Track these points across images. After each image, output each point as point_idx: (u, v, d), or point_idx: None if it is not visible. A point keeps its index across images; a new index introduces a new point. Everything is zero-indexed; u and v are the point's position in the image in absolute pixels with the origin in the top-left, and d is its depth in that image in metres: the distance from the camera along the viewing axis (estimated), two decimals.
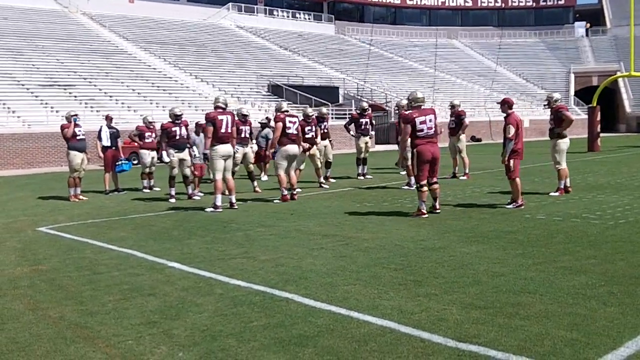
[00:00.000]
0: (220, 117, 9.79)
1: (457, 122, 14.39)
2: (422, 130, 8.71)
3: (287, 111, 10.94)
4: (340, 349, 3.72)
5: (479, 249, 6.42)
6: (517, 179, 9.28)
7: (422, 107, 8.95)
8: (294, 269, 5.74)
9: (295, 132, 10.76)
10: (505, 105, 9.46)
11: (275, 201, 10.72)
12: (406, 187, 12.30)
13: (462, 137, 14.40)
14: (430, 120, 8.77)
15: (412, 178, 12.21)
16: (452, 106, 14.86)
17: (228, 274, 5.61)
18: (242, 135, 11.83)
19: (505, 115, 9.41)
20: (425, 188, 8.81)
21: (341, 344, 3.80)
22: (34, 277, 5.78)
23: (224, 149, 9.87)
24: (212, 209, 9.73)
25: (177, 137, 11.70)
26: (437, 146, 8.90)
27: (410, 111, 8.86)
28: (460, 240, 6.92)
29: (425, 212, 8.78)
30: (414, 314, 4.32)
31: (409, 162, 12.11)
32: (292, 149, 10.74)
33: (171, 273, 5.78)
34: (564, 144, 10.68)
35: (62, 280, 5.62)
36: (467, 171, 14.20)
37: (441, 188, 12.21)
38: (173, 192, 11.54)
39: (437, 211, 8.96)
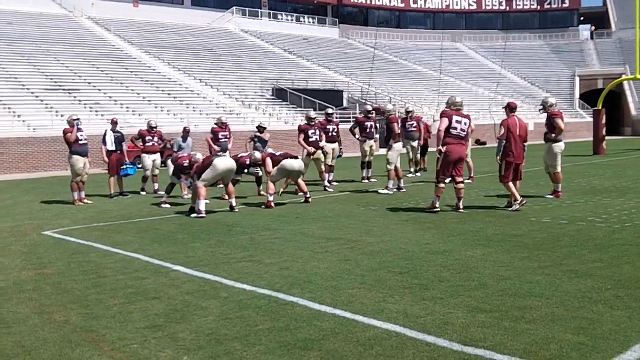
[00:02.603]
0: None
1: None
2: (455, 128, 9.20)
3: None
4: (345, 353, 3.71)
5: (484, 252, 6.41)
6: (509, 183, 9.49)
7: (461, 110, 9.46)
8: (299, 273, 5.73)
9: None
10: (507, 108, 9.91)
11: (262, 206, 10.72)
12: (384, 191, 12.12)
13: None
14: (465, 124, 9.32)
15: (391, 182, 12.31)
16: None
17: (233, 278, 5.61)
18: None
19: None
20: (443, 185, 9.25)
21: (346, 348, 3.79)
22: (39, 280, 5.79)
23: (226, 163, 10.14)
24: (195, 215, 9.67)
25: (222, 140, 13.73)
26: (465, 148, 9.47)
27: (447, 109, 9.37)
28: (465, 243, 6.90)
29: (438, 207, 9.23)
30: (419, 318, 4.31)
31: (393, 166, 12.08)
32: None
33: (176, 276, 5.78)
34: (557, 147, 10.81)
35: (67, 283, 5.63)
36: (472, 174, 14.19)
37: (447, 191, 12.24)
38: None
39: (461, 211, 9.24)
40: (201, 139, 21.09)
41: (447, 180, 9.48)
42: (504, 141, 9.48)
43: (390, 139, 12.29)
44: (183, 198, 12.06)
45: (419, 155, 16.73)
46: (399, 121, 12.51)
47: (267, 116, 31.50)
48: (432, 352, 3.68)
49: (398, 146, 12.30)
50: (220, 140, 14.15)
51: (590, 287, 4.96)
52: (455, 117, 9.19)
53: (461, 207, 9.37)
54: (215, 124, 14.54)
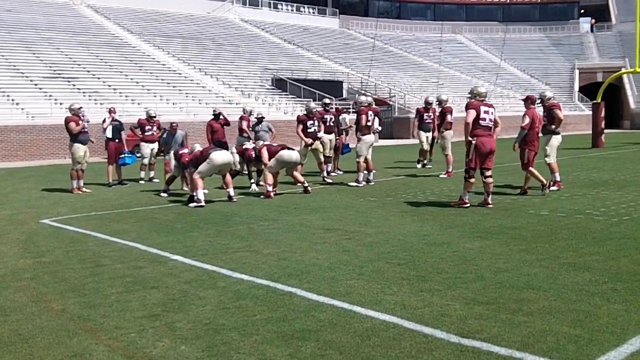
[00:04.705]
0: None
1: (442, 118, 14.29)
2: (484, 119, 8.91)
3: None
4: (343, 344, 3.72)
5: (482, 244, 6.41)
6: (532, 168, 10.07)
7: (485, 100, 9.18)
8: (297, 263, 5.74)
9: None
10: (528, 101, 10.29)
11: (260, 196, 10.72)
12: (353, 184, 12.02)
13: (446, 133, 14.17)
14: (491, 113, 9.04)
15: (361, 174, 12.13)
16: (439, 102, 14.69)
17: (231, 267, 5.61)
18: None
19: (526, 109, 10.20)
20: (474, 179, 8.94)
21: (344, 339, 3.80)
22: (37, 269, 5.79)
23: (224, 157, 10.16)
24: (194, 204, 9.67)
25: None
26: (494, 139, 9.08)
27: (473, 100, 9.04)
28: (464, 235, 6.91)
29: (468, 202, 8.94)
30: (417, 309, 4.31)
31: (362, 159, 11.96)
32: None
33: (174, 266, 5.78)
34: (555, 140, 10.97)
35: (65, 272, 5.63)
36: (449, 169, 13.71)
37: (444, 183, 12.24)
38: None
39: (490, 206, 8.91)
40: (200, 128, 21.06)
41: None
42: (526, 130, 9.93)
43: (357, 131, 12.15)
44: (182, 190, 12.05)
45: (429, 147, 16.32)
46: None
47: (267, 106, 31.44)
48: (429, 343, 3.69)
49: (367, 138, 12.01)
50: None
51: (588, 280, 4.97)
52: (483, 108, 8.90)
53: (490, 201, 8.98)
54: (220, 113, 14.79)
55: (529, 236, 6.78)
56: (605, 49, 62.24)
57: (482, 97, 9.10)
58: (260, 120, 14.18)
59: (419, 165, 15.94)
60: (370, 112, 12.14)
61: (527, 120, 9.94)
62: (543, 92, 11.29)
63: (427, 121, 15.72)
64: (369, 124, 12.06)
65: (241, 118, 14.98)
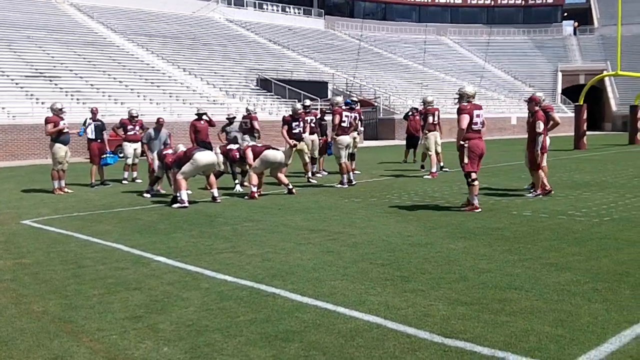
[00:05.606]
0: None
1: (425, 119, 14.36)
2: (476, 123, 8.79)
3: None
4: (327, 344, 3.72)
5: (466, 245, 6.44)
6: (541, 171, 10.05)
7: (473, 102, 8.96)
8: (281, 264, 5.73)
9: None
10: (533, 102, 10.08)
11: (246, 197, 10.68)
12: (339, 186, 12.03)
13: (430, 135, 14.21)
14: (482, 115, 8.93)
15: (345, 176, 12.09)
16: (424, 103, 14.73)
17: (215, 269, 5.59)
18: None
19: (531, 112, 10.06)
20: (477, 182, 8.81)
21: (327, 339, 3.80)
22: (18, 270, 5.71)
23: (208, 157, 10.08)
24: (177, 205, 9.61)
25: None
26: (483, 141, 8.98)
27: (465, 104, 8.81)
28: (447, 236, 6.94)
29: (478, 206, 8.73)
30: (401, 310, 4.32)
31: (342, 160, 11.94)
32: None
33: (157, 267, 5.74)
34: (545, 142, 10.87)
35: (46, 274, 5.56)
36: (433, 170, 13.87)
37: (428, 184, 12.29)
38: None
39: (478, 210, 8.82)
40: (184, 128, 20.96)
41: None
42: (542, 135, 9.85)
43: (332, 131, 12.18)
44: (162, 191, 11.95)
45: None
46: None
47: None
48: (412, 343, 3.70)
49: (341, 139, 11.95)
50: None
51: (569, 280, 5.01)
52: (475, 112, 8.75)
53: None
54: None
55: (512, 237, 6.83)
56: (587, 52, 63.00)
57: (471, 98, 8.92)
58: (231, 121, 14.09)
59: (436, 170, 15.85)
60: (345, 113, 12.09)
61: (542, 126, 9.87)
62: (536, 94, 11.21)
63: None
64: (344, 124, 12.00)
65: (250, 117, 14.74)
